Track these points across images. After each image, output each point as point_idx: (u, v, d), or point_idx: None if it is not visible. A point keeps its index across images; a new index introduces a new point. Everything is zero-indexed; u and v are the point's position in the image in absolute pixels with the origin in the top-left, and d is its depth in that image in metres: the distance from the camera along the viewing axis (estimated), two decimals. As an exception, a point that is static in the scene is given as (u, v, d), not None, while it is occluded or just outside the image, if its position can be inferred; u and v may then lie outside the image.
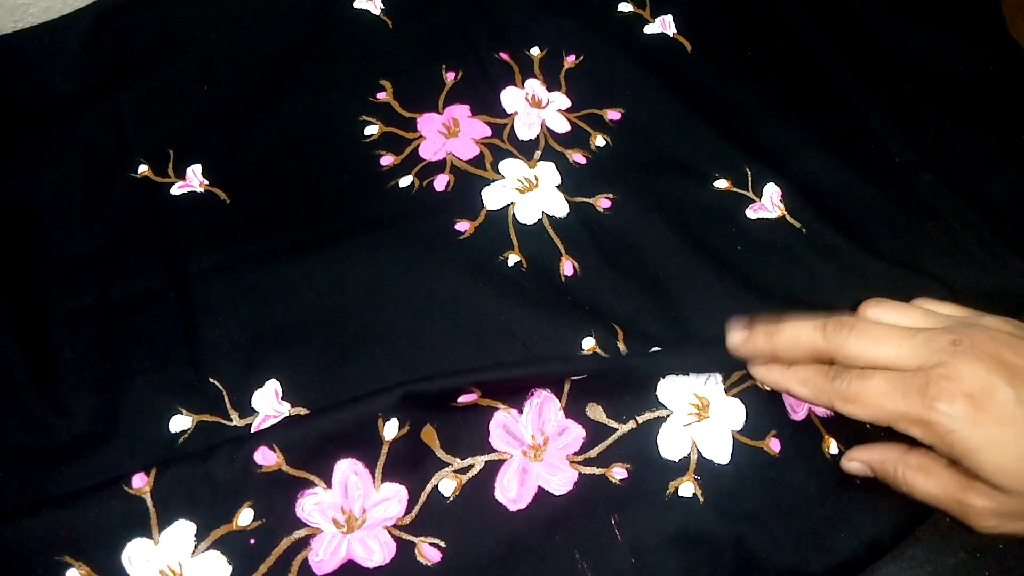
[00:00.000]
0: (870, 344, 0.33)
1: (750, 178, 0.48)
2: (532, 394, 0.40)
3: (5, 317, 0.41)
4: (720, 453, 0.39)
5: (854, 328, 0.33)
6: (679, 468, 0.39)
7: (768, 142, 0.50)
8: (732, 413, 0.40)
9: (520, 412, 0.39)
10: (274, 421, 0.39)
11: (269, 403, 0.40)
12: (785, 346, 0.35)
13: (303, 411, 0.40)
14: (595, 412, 0.40)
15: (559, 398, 0.40)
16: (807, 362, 0.35)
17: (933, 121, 0.52)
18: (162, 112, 0.50)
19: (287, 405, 0.40)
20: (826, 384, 0.34)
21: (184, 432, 0.39)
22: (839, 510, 0.38)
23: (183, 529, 0.35)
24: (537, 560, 0.37)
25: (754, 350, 0.36)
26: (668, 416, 0.40)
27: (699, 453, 0.39)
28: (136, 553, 0.34)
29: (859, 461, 0.36)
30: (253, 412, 0.40)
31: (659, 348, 0.41)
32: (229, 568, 0.35)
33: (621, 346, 0.41)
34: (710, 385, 0.40)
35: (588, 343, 0.41)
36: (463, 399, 0.38)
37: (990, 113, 0.52)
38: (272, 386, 0.40)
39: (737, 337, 0.37)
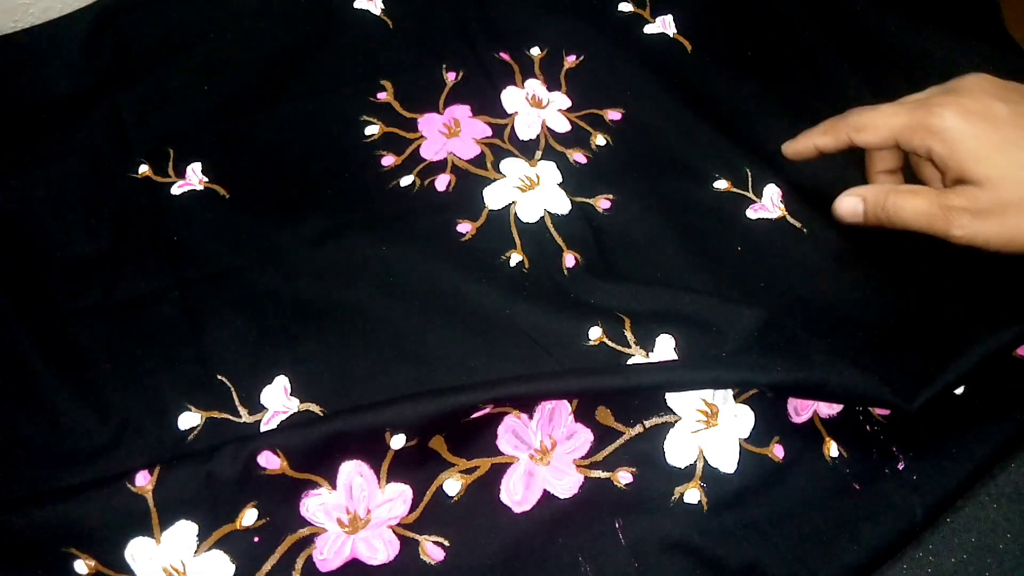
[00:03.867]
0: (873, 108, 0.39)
1: (750, 179, 0.48)
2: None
3: (11, 316, 0.41)
4: (727, 462, 0.39)
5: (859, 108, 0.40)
6: (685, 475, 0.39)
7: (768, 142, 0.50)
8: (740, 421, 0.40)
9: (530, 417, 0.39)
10: (283, 417, 0.39)
11: (278, 399, 0.40)
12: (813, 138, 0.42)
13: (312, 407, 0.40)
14: (603, 416, 0.40)
15: (570, 403, 0.39)
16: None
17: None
18: (162, 112, 0.50)
19: (296, 401, 0.40)
20: (841, 122, 0.40)
21: (193, 429, 0.39)
22: (841, 517, 0.38)
23: (184, 529, 0.35)
24: (540, 561, 0.37)
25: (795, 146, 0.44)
26: (676, 422, 0.40)
27: (706, 461, 0.39)
28: (138, 551, 0.34)
29: (853, 195, 0.40)
30: (262, 408, 0.40)
31: (674, 360, 0.41)
32: (232, 567, 0.35)
33: (628, 334, 0.41)
34: (719, 392, 0.40)
35: (595, 333, 0.42)
36: (475, 415, 0.37)
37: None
38: (281, 382, 0.40)
39: (787, 145, 0.44)
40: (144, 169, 0.47)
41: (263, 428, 0.39)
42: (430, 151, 0.49)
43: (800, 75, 0.54)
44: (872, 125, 0.38)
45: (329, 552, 0.36)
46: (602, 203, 0.48)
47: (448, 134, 0.50)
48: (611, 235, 0.47)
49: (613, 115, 0.52)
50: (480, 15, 0.55)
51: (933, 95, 0.37)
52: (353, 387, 0.40)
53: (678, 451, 0.39)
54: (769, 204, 0.48)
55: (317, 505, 0.36)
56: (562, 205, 0.47)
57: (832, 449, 0.40)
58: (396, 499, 0.37)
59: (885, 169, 0.44)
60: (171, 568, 0.34)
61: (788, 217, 0.47)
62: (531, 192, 0.48)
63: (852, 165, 0.49)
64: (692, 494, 0.38)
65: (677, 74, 0.54)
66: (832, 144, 0.41)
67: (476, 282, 0.43)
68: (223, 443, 0.36)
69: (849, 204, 0.40)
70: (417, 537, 0.37)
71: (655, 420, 0.40)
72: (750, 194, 0.48)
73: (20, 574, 0.33)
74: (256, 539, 0.35)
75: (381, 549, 0.36)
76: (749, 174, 0.49)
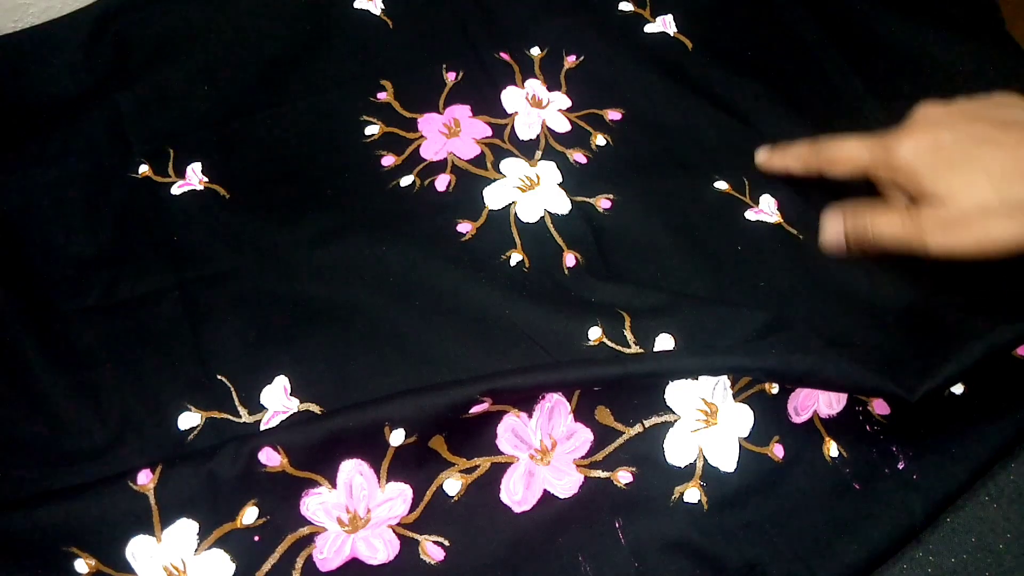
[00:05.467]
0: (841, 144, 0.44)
1: (747, 187, 0.49)
2: (543, 398, 0.39)
3: (11, 316, 0.41)
4: (726, 461, 0.39)
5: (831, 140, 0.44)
6: (685, 474, 0.39)
7: (767, 142, 0.51)
8: (739, 420, 0.40)
9: (530, 416, 0.39)
10: (283, 417, 0.39)
11: (278, 399, 0.40)
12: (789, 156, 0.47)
13: (312, 407, 0.40)
14: (603, 415, 0.40)
15: (569, 401, 0.39)
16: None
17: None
18: (162, 112, 0.49)
19: (296, 401, 0.40)
20: (813, 155, 0.45)
21: (193, 429, 0.39)
22: (841, 516, 0.38)
23: (185, 527, 0.35)
24: (540, 561, 0.37)
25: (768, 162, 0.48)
26: (675, 421, 0.40)
27: (705, 460, 0.39)
28: (139, 549, 0.34)
29: (835, 231, 0.44)
30: (262, 408, 0.40)
31: (670, 349, 0.41)
32: (233, 566, 0.35)
33: (628, 334, 0.41)
34: (718, 391, 0.40)
35: (595, 333, 0.42)
36: (475, 409, 0.38)
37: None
38: (281, 382, 0.40)
39: (761, 154, 0.49)
40: (144, 169, 0.47)
41: (263, 428, 0.39)
42: (430, 151, 0.49)
43: (800, 75, 0.54)
44: (840, 161, 0.44)
45: (329, 551, 0.36)
46: (602, 203, 0.48)
47: (448, 134, 0.50)
48: (611, 235, 0.47)
49: (613, 115, 0.52)
50: (480, 15, 0.55)
51: (891, 132, 0.41)
52: (353, 387, 0.40)
53: (678, 450, 0.39)
54: (767, 209, 0.48)
55: (317, 504, 0.36)
56: (562, 205, 0.47)
57: (832, 449, 0.40)
58: (396, 498, 0.37)
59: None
60: (172, 567, 0.34)
61: (784, 224, 0.47)
62: (531, 192, 0.48)
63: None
64: (692, 493, 0.38)
65: (677, 73, 0.54)
66: (802, 171, 0.46)
67: (476, 282, 0.43)
68: (224, 442, 0.36)
69: (833, 237, 0.44)
70: (417, 537, 0.37)
71: (655, 419, 0.40)
72: (747, 200, 0.48)
73: (20, 574, 0.33)
74: (256, 538, 0.35)
75: (381, 549, 0.36)
76: (747, 182, 0.49)
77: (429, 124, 0.50)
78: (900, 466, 0.40)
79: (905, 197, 0.41)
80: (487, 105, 0.51)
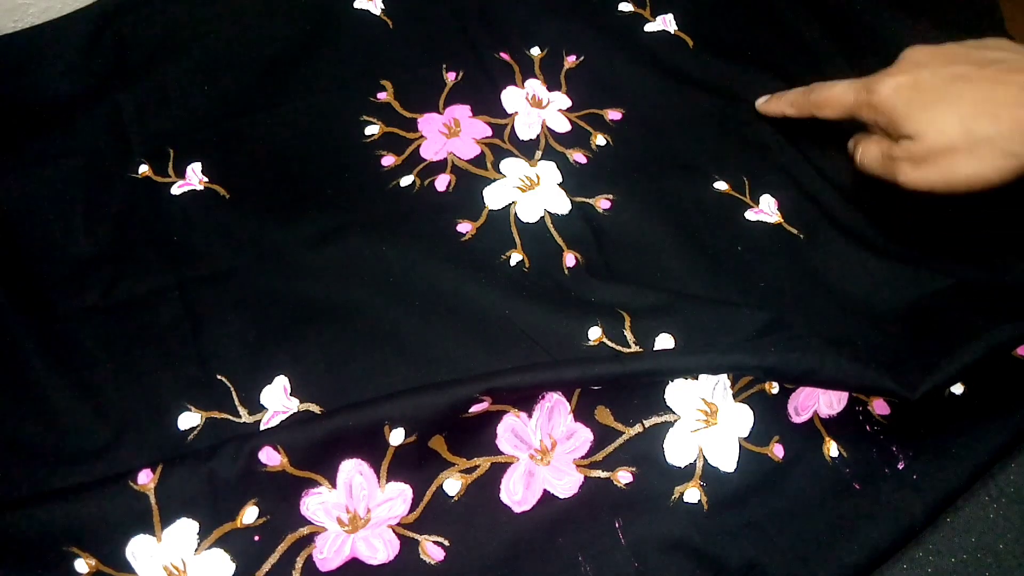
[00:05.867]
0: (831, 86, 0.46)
1: (747, 187, 0.49)
2: (542, 397, 0.39)
3: (11, 316, 0.41)
4: (726, 461, 0.39)
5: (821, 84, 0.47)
6: (685, 474, 0.39)
7: (768, 145, 0.51)
8: (739, 420, 0.40)
9: (529, 416, 0.39)
10: (283, 417, 0.39)
11: (278, 399, 0.40)
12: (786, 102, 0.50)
13: (312, 407, 0.40)
14: (603, 415, 0.40)
15: (569, 401, 0.39)
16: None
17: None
18: (162, 112, 0.49)
19: (296, 401, 0.40)
20: (804, 98, 0.47)
21: (193, 429, 0.39)
22: (840, 516, 0.38)
23: (185, 527, 0.35)
24: (540, 561, 0.37)
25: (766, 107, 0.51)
26: (675, 421, 0.40)
27: (705, 460, 0.39)
28: (139, 549, 0.34)
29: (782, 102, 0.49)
30: (262, 408, 0.40)
31: (669, 348, 0.41)
32: (233, 566, 0.35)
33: (628, 334, 0.41)
34: (718, 391, 0.40)
35: (595, 333, 0.42)
36: (474, 409, 0.38)
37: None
38: (281, 382, 0.40)
39: (760, 101, 0.52)
40: (144, 169, 0.47)
41: (263, 428, 0.39)
42: (430, 151, 0.49)
43: (800, 73, 0.54)
44: (828, 102, 0.46)
45: (329, 551, 0.36)
46: (602, 203, 0.48)
47: (448, 134, 0.50)
48: (611, 235, 0.47)
49: (613, 115, 0.52)
50: (480, 15, 0.55)
51: (876, 73, 0.43)
52: (353, 387, 0.40)
53: (678, 450, 0.39)
54: (767, 209, 0.48)
55: (317, 504, 0.36)
56: (562, 205, 0.47)
57: (832, 449, 0.40)
58: (396, 498, 0.37)
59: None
60: (172, 566, 0.34)
61: (784, 224, 0.47)
62: (531, 192, 0.48)
63: (846, 171, 0.49)
64: (692, 493, 0.38)
65: (678, 73, 0.54)
66: (797, 115, 0.49)
67: (476, 282, 0.43)
68: (224, 441, 0.36)
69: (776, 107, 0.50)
70: (417, 537, 0.37)
71: (655, 419, 0.40)
72: (747, 200, 0.48)
73: (20, 574, 0.33)
74: (256, 538, 0.35)
75: (381, 548, 0.36)
76: (747, 182, 0.49)
77: (429, 124, 0.50)
78: (900, 466, 0.40)
79: (886, 135, 0.43)
80: (487, 105, 0.51)
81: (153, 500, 0.34)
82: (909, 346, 0.40)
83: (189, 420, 0.39)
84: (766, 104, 0.51)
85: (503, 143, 0.50)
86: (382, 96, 0.51)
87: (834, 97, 0.45)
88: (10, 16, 0.52)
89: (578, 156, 0.50)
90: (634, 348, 0.41)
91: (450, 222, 0.46)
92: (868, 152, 0.44)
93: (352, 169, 0.48)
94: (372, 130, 0.50)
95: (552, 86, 0.53)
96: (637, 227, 0.47)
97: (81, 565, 0.34)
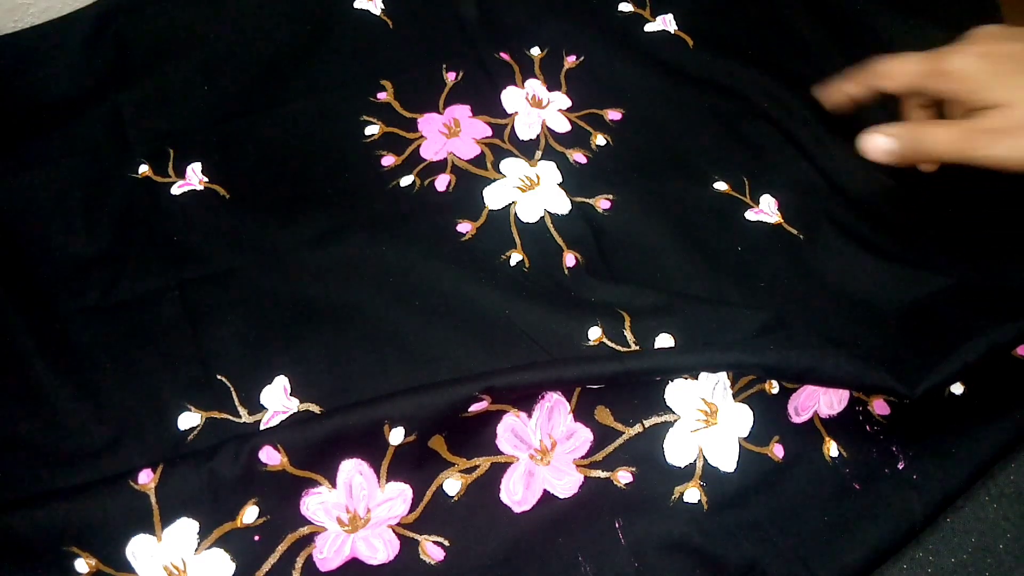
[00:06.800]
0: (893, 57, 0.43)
1: (748, 187, 0.49)
2: (542, 397, 0.39)
3: (11, 316, 0.41)
4: (726, 461, 0.39)
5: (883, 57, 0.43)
6: (685, 474, 0.39)
7: (768, 145, 0.51)
8: (739, 420, 0.40)
9: (529, 416, 0.39)
10: (283, 417, 0.39)
11: (278, 399, 0.40)
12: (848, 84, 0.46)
13: (312, 407, 0.40)
14: (603, 415, 0.40)
15: (569, 401, 0.39)
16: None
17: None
18: (162, 112, 0.50)
19: (296, 401, 0.40)
20: (864, 72, 0.44)
21: (193, 429, 0.39)
22: (841, 516, 0.38)
23: (185, 526, 0.35)
24: (540, 561, 0.37)
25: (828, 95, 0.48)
26: (675, 421, 0.40)
27: (705, 460, 0.39)
28: (140, 549, 0.34)
29: (883, 134, 0.42)
30: (262, 408, 0.40)
31: (668, 346, 0.41)
32: (233, 566, 0.35)
33: (628, 334, 0.41)
34: (718, 391, 0.40)
35: (594, 333, 0.41)
36: (474, 408, 0.38)
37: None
38: (281, 382, 0.40)
39: (818, 90, 0.48)
40: (144, 169, 0.47)
41: (263, 428, 0.39)
42: (430, 151, 0.49)
43: (800, 73, 0.54)
44: (891, 73, 0.43)
45: (329, 551, 0.36)
46: (602, 203, 0.48)
47: (448, 134, 0.50)
48: (611, 235, 0.47)
49: (613, 115, 0.52)
50: (480, 15, 0.55)
51: (945, 46, 0.41)
52: (353, 387, 0.40)
53: (678, 450, 0.39)
54: (767, 209, 0.48)
55: (317, 504, 0.36)
56: (562, 205, 0.47)
57: (832, 449, 0.40)
58: (396, 498, 0.37)
59: (919, 104, 0.45)
60: (172, 566, 0.34)
61: (784, 224, 0.47)
62: (531, 192, 0.48)
63: (847, 172, 0.49)
64: (692, 493, 0.38)
65: (678, 73, 0.54)
66: (860, 92, 0.45)
67: (476, 282, 0.43)
68: (224, 441, 0.36)
69: (880, 142, 0.42)
70: (417, 537, 0.37)
71: (655, 419, 0.40)
72: (747, 200, 0.48)
73: (20, 574, 0.33)
74: (256, 538, 0.35)
75: (381, 548, 0.36)
76: (747, 182, 0.49)
77: (429, 124, 0.50)
78: (900, 466, 0.40)
79: (958, 108, 0.41)
80: (487, 105, 0.51)
81: (153, 500, 0.34)
82: (909, 346, 0.40)
83: (189, 420, 0.39)
84: (828, 95, 0.48)
85: (503, 143, 0.50)
86: (382, 96, 0.51)
87: (900, 68, 0.42)
88: (10, 16, 0.52)
89: (578, 156, 0.50)
90: (634, 348, 0.41)
91: (450, 222, 0.46)
92: (939, 131, 0.40)
93: (352, 169, 0.48)
94: (372, 130, 0.50)
95: (552, 86, 0.53)
96: (637, 227, 0.47)
97: (81, 565, 0.34)
